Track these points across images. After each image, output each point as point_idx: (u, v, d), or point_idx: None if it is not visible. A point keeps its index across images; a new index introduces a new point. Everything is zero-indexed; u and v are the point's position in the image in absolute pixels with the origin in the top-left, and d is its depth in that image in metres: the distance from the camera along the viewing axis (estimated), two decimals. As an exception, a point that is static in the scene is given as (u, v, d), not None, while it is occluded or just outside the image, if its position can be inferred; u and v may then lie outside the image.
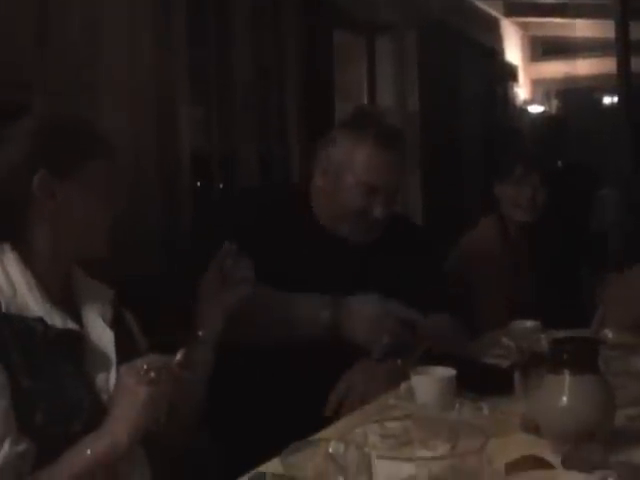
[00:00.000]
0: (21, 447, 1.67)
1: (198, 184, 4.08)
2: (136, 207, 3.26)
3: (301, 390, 2.38)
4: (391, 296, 2.51)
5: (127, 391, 1.73)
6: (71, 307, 1.93)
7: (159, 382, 1.72)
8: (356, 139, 2.59)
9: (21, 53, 2.91)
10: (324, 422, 1.96)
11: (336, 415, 2.28)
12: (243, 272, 2.17)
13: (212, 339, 2.15)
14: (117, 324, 2.00)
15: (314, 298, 2.46)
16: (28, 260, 1.86)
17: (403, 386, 2.13)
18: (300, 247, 2.57)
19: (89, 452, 1.70)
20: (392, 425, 1.51)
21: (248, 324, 2.34)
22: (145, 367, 1.73)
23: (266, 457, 1.70)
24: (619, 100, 7.88)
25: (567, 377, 1.74)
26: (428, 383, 2.07)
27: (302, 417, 1.99)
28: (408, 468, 1.11)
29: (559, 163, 7.10)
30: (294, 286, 2.48)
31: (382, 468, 1.13)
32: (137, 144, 3.40)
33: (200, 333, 2.12)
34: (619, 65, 7.41)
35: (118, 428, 1.72)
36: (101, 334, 1.93)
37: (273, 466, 1.64)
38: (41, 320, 1.80)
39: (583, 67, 9.36)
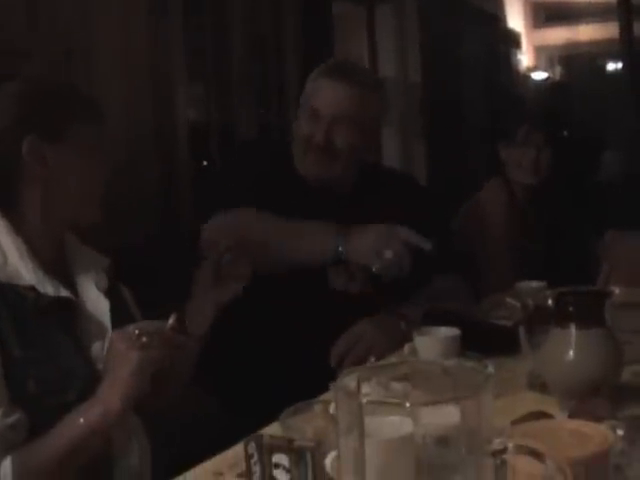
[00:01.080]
0: (13, 418, 1.65)
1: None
2: (133, 177, 3.23)
3: (304, 353, 2.35)
4: None
5: (119, 356, 1.69)
6: (65, 275, 1.90)
7: (151, 347, 1.68)
8: (319, 74, 2.63)
9: (14, 23, 2.87)
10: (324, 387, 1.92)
11: (340, 367, 2.26)
12: (240, 269, 2.12)
13: (200, 334, 2.11)
14: (112, 293, 1.96)
15: (321, 225, 2.44)
16: (19, 227, 1.83)
17: (407, 347, 2.09)
18: (284, 199, 2.54)
19: (82, 420, 1.66)
20: (396, 387, 1.47)
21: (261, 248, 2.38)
22: (137, 332, 1.69)
23: (268, 421, 1.67)
24: (622, 65, 7.82)
25: (573, 330, 1.71)
26: (431, 343, 2.03)
27: (304, 380, 1.95)
28: (407, 426, 1.06)
29: (564, 132, 7.07)
30: None
31: (379, 427, 1.09)
32: (134, 114, 3.37)
33: (189, 330, 2.06)
34: (621, 30, 7.34)
35: (111, 394, 1.68)
36: (96, 302, 1.90)
37: (273, 430, 1.61)
38: (33, 288, 1.77)
39: (586, 33, 9.28)
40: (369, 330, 2.35)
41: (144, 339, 1.68)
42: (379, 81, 2.82)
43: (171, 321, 1.74)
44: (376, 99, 2.65)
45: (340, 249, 2.38)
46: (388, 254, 2.31)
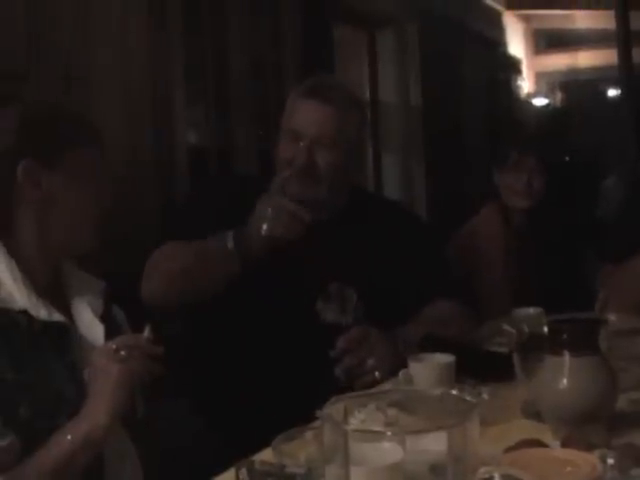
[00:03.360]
0: (5, 441, 1.64)
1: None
2: (132, 202, 3.23)
3: (298, 384, 2.35)
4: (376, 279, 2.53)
5: (100, 371, 1.72)
6: (60, 299, 1.89)
7: (130, 359, 1.71)
8: (297, 95, 2.60)
9: (13, 44, 2.88)
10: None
11: (340, 362, 2.27)
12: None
13: None
14: (107, 317, 1.96)
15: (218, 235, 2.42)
16: (14, 252, 1.83)
17: (401, 373, 2.08)
18: None
19: (69, 437, 1.67)
20: (393, 413, 1.46)
21: (174, 281, 2.43)
22: (114, 346, 1.72)
23: (261, 447, 1.67)
24: (622, 90, 7.85)
25: (567, 358, 1.70)
26: (426, 370, 2.02)
27: (299, 408, 1.95)
28: (397, 454, 1.06)
29: (566, 158, 7.13)
30: (273, 271, 2.46)
31: (370, 454, 1.08)
32: (133, 138, 3.37)
33: None
34: (620, 56, 7.37)
35: (95, 409, 1.69)
36: (90, 326, 1.90)
37: (265, 456, 1.60)
38: (26, 312, 1.77)
39: (587, 59, 9.32)
40: (373, 333, 2.32)
41: (122, 352, 1.71)
42: (358, 98, 2.80)
43: (146, 333, 1.77)
44: (357, 117, 2.62)
45: (229, 246, 2.35)
46: (268, 212, 2.29)
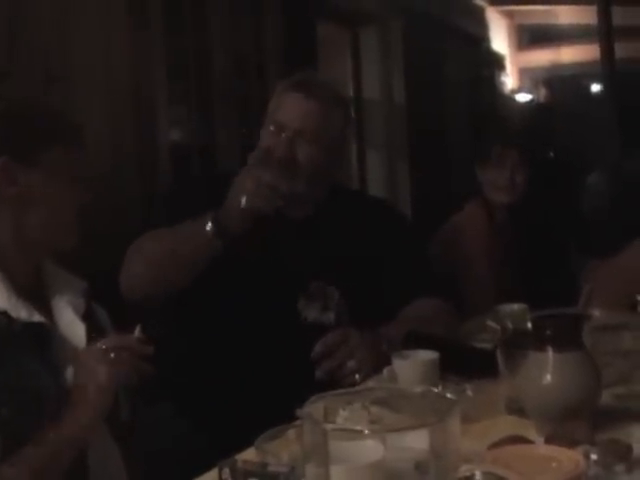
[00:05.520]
0: (-14, 443, 1.63)
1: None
2: (114, 201, 3.22)
3: (279, 384, 2.34)
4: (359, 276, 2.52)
5: (87, 372, 1.72)
6: (40, 299, 1.89)
7: (119, 362, 1.71)
8: (283, 88, 2.60)
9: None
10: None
11: (319, 366, 2.25)
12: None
13: None
14: (89, 318, 1.95)
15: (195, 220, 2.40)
16: None
17: (386, 371, 2.07)
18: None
19: (52, 437, 1.67)
20: (376, 410, 1.46)
21: (153, 267, 2.42)
22: (104, 347, 1.72)
23: (244, 446, 1.66)
24: (604, 86, 7.88)
25: (551, 354, 1.70)
26: (410, 367, 2.02)
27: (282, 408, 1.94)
28: (376, 452, 1.05)
29: (550, 153, 7.14)
30: (254, 269, 2.46)
31: (351, 452, 1.08)
32: (115, 136, 3.36)
33: None
34: (603, 51, 7.40)
35: (79, 411, 1.69)
36: (71, 326, 1.90)
37: (248, 455, 1.59)
38: (5, 313, 1.76)
39: (570, 54, 9.34)
40: (353, 335, 2.31)
41: (112, 355, 1.70)
42: (344, 97, 2.80)
43: (137, 333, 1.77)
44: (340, 115, 2.62)
45: (208, 228, 2.33)
46: (247, 184, 2.28)
